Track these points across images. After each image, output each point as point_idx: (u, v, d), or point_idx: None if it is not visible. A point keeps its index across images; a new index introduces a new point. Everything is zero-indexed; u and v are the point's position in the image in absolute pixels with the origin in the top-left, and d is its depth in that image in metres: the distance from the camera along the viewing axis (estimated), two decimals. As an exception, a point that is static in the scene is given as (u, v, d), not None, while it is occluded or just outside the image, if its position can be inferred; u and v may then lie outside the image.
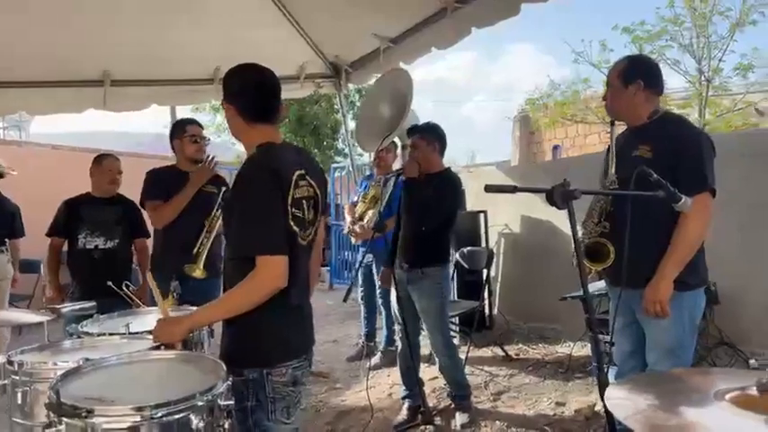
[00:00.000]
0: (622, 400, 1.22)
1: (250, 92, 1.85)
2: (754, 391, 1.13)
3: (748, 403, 1.10)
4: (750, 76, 9.93)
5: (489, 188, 1.57)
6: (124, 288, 3.01)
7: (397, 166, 4.18)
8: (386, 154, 4.38)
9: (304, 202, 1.81)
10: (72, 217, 3.60)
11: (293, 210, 1.75)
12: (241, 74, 1.88)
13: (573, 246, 2.43)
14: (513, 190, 1.56)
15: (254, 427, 1.73)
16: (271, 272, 1.66)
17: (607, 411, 1.33)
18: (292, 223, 1.75)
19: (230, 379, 1.58)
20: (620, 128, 2.51)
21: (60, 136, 15.42)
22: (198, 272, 3.02)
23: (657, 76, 2.42)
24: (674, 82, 11.73)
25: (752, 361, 3.19)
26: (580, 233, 2.46)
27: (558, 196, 1.55)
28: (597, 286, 3.65)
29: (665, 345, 2.27)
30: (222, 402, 1.50)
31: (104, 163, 3.68)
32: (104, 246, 3.58)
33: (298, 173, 1.80)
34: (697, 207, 2.13)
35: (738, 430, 1.06)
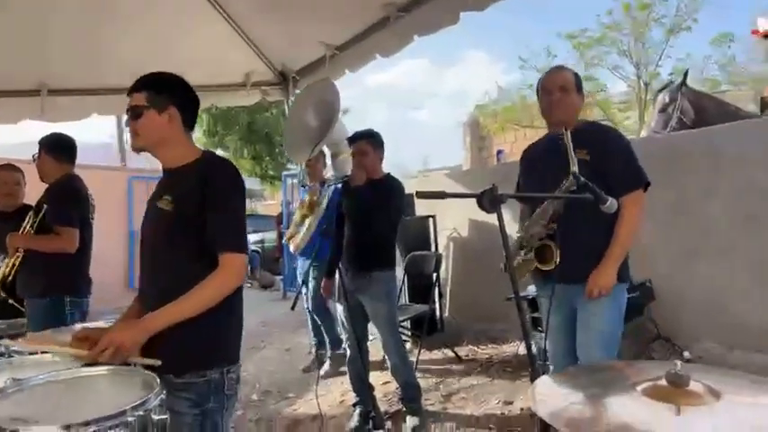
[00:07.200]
0: (546, 397, 1.28)
1: (193, 101, 1.94)
2: (664, 382, 1.19)
3: (658, 394, 1.17)
4: (685, 81, 10.37)
5: (420, 194, 1.61)
6: None
7: (329, 173, 4.23)
8: (315, 163, 4.48)
9: None
10: None
11: None
12: (184, 83, 1.94)
13: (511, 246, 2.52)
14: (443, 196, 1.60)
15: (211, 429, 1.75)
16: (238, 268, 1.75)
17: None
18: None
19: (194, 380, 1.71)
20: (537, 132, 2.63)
21: (-2, 147, 14.75)
22: None
23: None
24: (615, 86, 12.16)
25: (685, 353, 3.32)
26: (521, 234, 2.52)
27: (487, 201, 1.59)
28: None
29: (598, 329, 2.38)
30: (156, 417, 1.48)
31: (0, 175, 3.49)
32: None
33: None
34: (634, 201, 2.34)
35: (647, 421, 1.12)
